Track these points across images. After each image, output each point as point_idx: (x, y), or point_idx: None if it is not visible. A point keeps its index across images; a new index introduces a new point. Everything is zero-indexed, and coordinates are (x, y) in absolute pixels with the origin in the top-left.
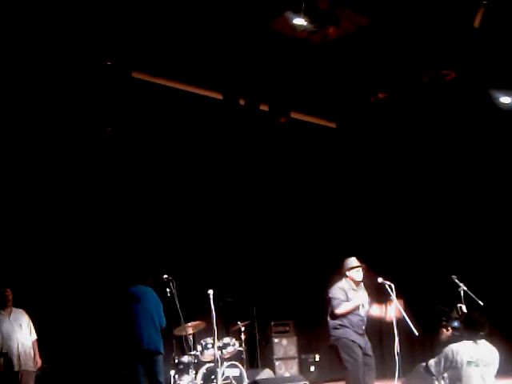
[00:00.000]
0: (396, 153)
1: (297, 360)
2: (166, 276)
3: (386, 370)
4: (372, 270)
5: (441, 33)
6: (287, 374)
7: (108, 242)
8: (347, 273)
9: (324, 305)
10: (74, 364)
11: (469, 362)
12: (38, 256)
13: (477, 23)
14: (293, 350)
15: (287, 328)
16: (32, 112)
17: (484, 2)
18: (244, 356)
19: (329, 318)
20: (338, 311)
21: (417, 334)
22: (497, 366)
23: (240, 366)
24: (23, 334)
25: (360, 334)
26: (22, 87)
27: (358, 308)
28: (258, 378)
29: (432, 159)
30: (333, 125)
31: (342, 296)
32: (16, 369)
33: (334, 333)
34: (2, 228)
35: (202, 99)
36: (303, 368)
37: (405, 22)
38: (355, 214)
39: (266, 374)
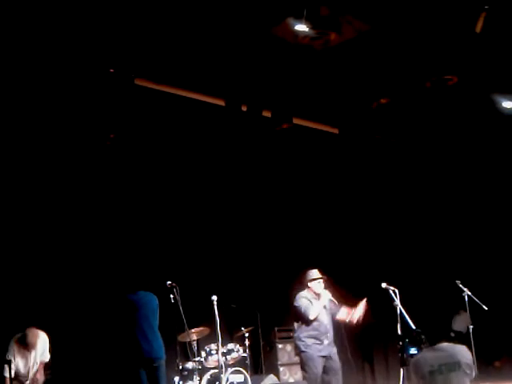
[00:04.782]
0: (398, 158)
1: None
2: (169, 282)
3: (389, 376)
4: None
5: (442, 38)
6: (291, 380)
7: (110, 249)
8: (308, 284)
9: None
10: (77, 372)
11: (431, 372)
12: (40, 262)
13: (478, 28)
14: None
15: (291, 334)
16: (34, 119)
17: (485, 7)
18: (248, 362)
19: (295, 329)
20: (311, 316)
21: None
22: (468, 365)
23: (244, 371)
24: (36, 365)
25: (324, 343)
26: (24, 94)
27: (323, 307)
28: (262, 383)
29: (435, 164)
30: (335, 130)
31: (307, 302)
32: None
33: (298, 344)
34: (7, 235)
35: (204, 106)
36: None
37: (406, 27)
38: (358, 219)
39: (270, 379)
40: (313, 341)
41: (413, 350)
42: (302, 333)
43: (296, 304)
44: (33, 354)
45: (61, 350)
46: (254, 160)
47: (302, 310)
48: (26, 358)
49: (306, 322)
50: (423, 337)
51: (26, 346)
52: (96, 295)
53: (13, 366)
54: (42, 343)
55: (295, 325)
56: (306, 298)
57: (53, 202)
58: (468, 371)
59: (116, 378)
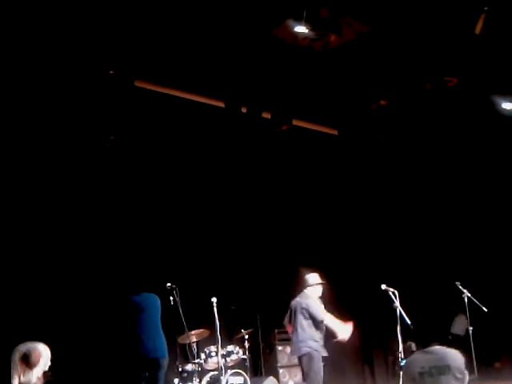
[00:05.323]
0: (398, 159)
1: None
2: (169, 284)
3: (389, 378)
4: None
5: (442, 39)
6: (291, 382)
7: (110, 251)
8: (311, 287)
9: None
10: (80, 374)
11: (420, 374)
12: (40, 263)
13: (478, 29)
14: (296, 358)
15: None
16: (34, 121)
17: (485, 9)
18: (248, 364)
19: (305, 328)
20: (326, 319)
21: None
22: (458, 369)
23: (244, 373)
24: (37, 379)
25: (323, 346)
26: (24, 95)
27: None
28: None
29: (434, 165)
30: (335, 132)
31: (319, 304)
32: None
33: (310, 344)
34: (9, 238)
35: (204, 107)
36: None
37: (406, 29)
38: (358, 221)
39: (269, 381)
40: (322, 343)
41: (404, 362)
42: (317, 333)
43: (307, 305)
44: (34, 370)
45: (63, 353)
46: (253, 162)
47: (319, 311)
48: (27, 373)
49: (317, 323)
50: (414, 349)
51: (28, 364)
52: (99, 297)
53: (15, 377)
54: (44, 360)
55: (304, 324)
56: (314, 300)
57: (53, 205)
58: (459, 375)
59: (119, 380)
